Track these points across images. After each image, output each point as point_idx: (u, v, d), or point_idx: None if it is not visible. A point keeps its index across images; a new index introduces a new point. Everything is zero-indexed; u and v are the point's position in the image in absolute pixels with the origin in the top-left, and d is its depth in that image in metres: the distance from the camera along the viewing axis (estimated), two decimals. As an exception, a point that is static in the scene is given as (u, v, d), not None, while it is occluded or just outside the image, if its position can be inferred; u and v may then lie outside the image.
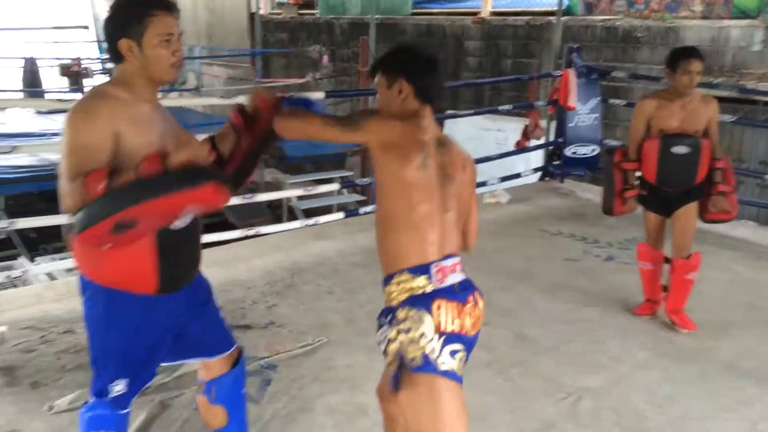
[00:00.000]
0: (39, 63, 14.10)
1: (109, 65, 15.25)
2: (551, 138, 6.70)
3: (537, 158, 7.44)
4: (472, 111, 7.24)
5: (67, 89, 13.86)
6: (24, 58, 13.74)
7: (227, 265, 4.50)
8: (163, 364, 3.09)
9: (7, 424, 2.72)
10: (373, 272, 3.76)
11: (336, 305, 3.93)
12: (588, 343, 3.54)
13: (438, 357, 1.80)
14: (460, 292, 1.89)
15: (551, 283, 4.31)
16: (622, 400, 3.02)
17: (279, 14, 13.69)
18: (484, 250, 4.88)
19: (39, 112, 11.89)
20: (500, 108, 6.96)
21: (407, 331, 1.82)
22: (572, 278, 4.40)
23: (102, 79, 15.20)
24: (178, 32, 1.91)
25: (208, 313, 2.21)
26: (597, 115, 6.40)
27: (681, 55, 3.47)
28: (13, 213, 7.54)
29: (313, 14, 13.01)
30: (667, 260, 3.76)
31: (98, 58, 15.66)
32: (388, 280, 1.90)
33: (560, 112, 6.43)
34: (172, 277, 1.97)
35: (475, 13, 9.94)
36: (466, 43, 9.77)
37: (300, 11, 13.36)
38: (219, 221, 7.79)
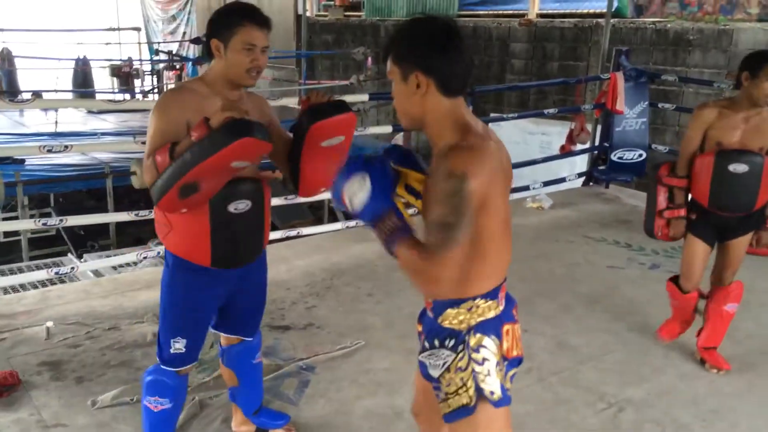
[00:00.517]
0: (90, 64, 14.45)
1: (159, 66, 15.60)
2: (597, 142, 6.59)
3: (582, 163, 7.32)
4: (516, 114, 7.15)
5: (117, 90, 14.17)
6: (76, 58, 14.10)
7: (268, 265, 4.52)
8: (204, 365, 3.16)
9: (51, 417, 2.79)
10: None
11: (375, 308, 3.93)
12: (631, 353, 3.47)
13: (506, 384, 1.69)
14: (509, 313, 1.75)
15: (594, 291, 4.23)
16: (665, 413, 2.95)
17: (325, 16, 13.78)
18: (526, 255, 4.83)
19: (90, 112, 12.19)
20: (546, 111, 6.87)
21: (482, 362, 1.65)
22: (616, 286, 4.31)
23: (150, 80, 15.54)
24: (263, 45, 2.14)
25: (255, 298, 2.49)
26: (645, 119, 6.26)
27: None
28: (63, 210, 7.75)
29: (359, 16, 13.06)
30: (702, 295, 3.37)
31: (149, 60, 15.97)
32: (456, 303, 1.67)
33: (607, 116, 6.32)
34: (228, 256, 2.23)
35: (521, 15, 9.84)
36: (512, 45, 9.68)
37: (346, 13, 13.42)
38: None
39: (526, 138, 9.04)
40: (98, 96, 13.08)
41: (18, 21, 16.19)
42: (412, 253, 1.51)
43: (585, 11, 9.21)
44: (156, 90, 15.34)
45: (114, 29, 18.75)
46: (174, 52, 16.94)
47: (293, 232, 4.92)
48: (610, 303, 4.05)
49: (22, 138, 9.39)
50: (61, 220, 4.23)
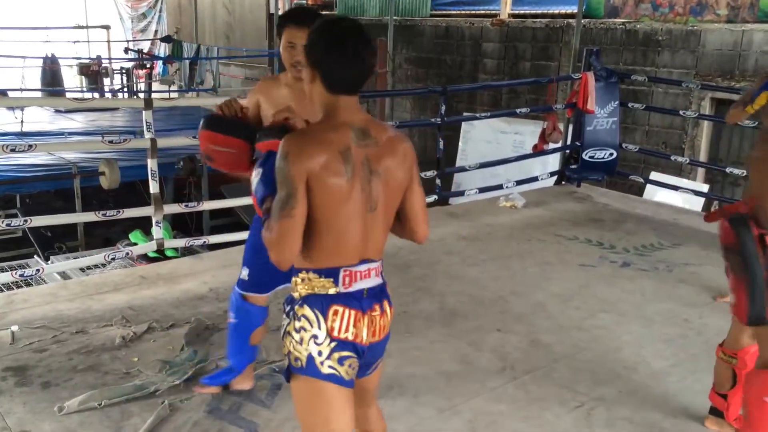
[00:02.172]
0: (59, 62, 14.20)
1: (128, 65, 15.38)
2: (569, 141, 6.64)
3: (554, 162, 7.38)
4: (489, 113, 7.18)
5: (86, 89, 13.94)
6: (44, 57, 13.85)
7: (240, 266, 4.48)
8: (174, 368, 3.10)
9: (17, 424, 2.72)
10: (390, 277, 3.74)
11: (348, 308, 3.89)
12: (603, 351, 3.49)
13: (323, 361, 1.81)
14: (366, 299, 1.85)
15: (566, 289, 4.25)
16: (636, 411, 2.97)
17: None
18: (499, 254, 4.84)
19: (58, 111, 11.97)
20: (518, 111, 6.91)
21: (299, 330, 1.83)
22: (588, 284, 4.34)
23: (120, 79, 15.32)
24: (303, 42, 2.29)
25: None
26: (615, 119, 6.33)
27: None
28: (30, 211, 7.60)
29: (332, 15, 13.01)
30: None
31: (127, 58, 15.70)
32: (296, 271, 1.86)
33: (578, 116, 6.37)
34: None
35: (494, 15, 9.89)
36: (484, 45, 9.72)
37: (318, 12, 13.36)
38: (234, 221, 7.80)
39: (499, 137, 9.08)
40: (68, 95, 12.84)
41: (-18, 18, 15.86)
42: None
43: (556, 12, 9.28)
44: (125, 89, 15.13)
45: (82, 27, 18.46)
46: (144, 51, 16.72)
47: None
48: (582, 301, 4.07)
49: (-14, 138, 9.19)
50: (26, 221, 4.14)
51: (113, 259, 4.49)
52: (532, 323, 3.77)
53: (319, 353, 1.81)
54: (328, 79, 1.80)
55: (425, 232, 1.99)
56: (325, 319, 1.81)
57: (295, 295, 1.87)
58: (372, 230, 1.85)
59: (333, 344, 1.81)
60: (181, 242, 5.07)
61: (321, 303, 1.82)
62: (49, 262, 5.92)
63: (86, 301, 3.90)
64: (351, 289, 1.83)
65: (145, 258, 5.79)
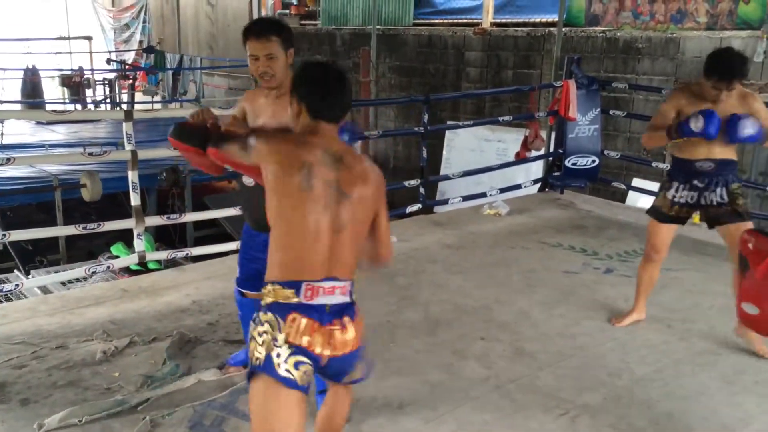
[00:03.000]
0: (40, 74, 14.09)
1: (110, 76, 15.29)
2: (551, 149, 6.67)
3: (537, 169, 7.41)
4: (472, 122, 7.20)
5: (68, 100, 13.83)
6: (24, 68, 13.74)
7: (224, 277, 4.45)
8: (156, 382, 3.07)
9: (-6, 442, 2.68)
10: (369, 285, 3.74)
11: (332, 319, 3.87)
12: (587, 358, 3.49)
13: (281, 363, 1.91)
14: (327, 314, 1.95)
15: (550, 297, 4.26)
16: (621, 417, 2.97)
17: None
18: (483, 262, 4.85)
19: (39, 123, 11.85)
20: (501, 119, 6.94)
21: (261, 334, 1.95)
22: (572, 291, 4.35)
23: (102, 90, 15.22)
24: (265, 54, 2.61)
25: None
26: (597, 126, 6.37)
27: None
28: (10, 225, 7.49)
29: (315, 25, 13.03)
30: None
31: (109, 69, 15.61)
32: (265, 283, 2.01)
33: (560, 123, 6.41)
34: (256, 220, 2.72)
35: (476, 24, 9.94)
36: (467, 54, 9.76)
37: (302, 22, 13.38)
38: (216, 233, 7.75)
39: (482, 145, 9.11)
40: (48, 107, 12.74)
41: (-38, 30, 15.73)
42: None
43: (538, 20, 9.34)
44: (108, 100, 15.04)
45: (64, 38, 18.34)
46: (127, 61, 16.63)
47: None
48: (566, 308, 4.08)
49: (-34, 151, 9.08)
50: (4, 235, 4.08)
51: (94, 272, 4.44)
52: (517, 331, 3.77)
53: (278, 355, 1.92)
54: (312, 109, 2.04)
55: (389, 254, 2.18)
56: (284, 325, 1.93)
57: (263, 303, 2.00)
58: (339, 250, 1.97)
59: (290, 349, 1.92)
60: (163, 254, 5.03)
61: (282, 310, 1.94)
62: (30, 276, 5.85)
63: (66, 315, 3.86)
64: (312, 302, 1.94)
65: (127, 271, 5.73)
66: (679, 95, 3.50)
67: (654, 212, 3.67)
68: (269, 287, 1.97)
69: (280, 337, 1.92)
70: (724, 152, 3.44)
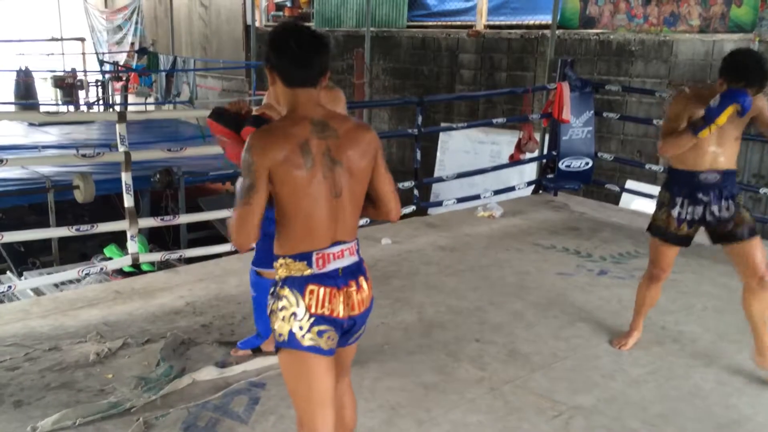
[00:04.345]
0: (33, 75, 14.03)
1: (102, 77, 15.24)
2: (545, 151, 6.68)
3: (531, 171, 7.42)
4: (465, 124, 7.21)
5: (61, 102, 13.78)
6: (17, 69, 13.68)
7: (217, 279, 4.45)
8: (150, 384, 3.06)
9: (-13, 444, 2.66)
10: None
11: (326, 321, 3.87)
12: (581, 360, 3.50)
13: (304, 335, 1.99)
14: (341, 277, 2.02)
15: (544, 298, 4.27)
16: (615, 419, 2.98)
17: (274, 26, 13.72)
18: (477, 264, 4.85)
19: (32, 125, 11.81)
20: (494, 121, 6.95)
21: (281, 309, 2.00)
22: (565, 293, 4.36)
23: (95, 91, 15.17)
24: None
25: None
26: (591, 128, 6.39)
27: None
28: (3, 226, 7.45)
29: (309, 26, 13.02)
30: None
31: (100, 71, 15.57)
32: (275, 257, 2.05)
33: (554, 126, 6.42)
34: None
35: (469, 26, 9.94)
36: (460, 56, 9.77)
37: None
38: (209, 235, 7.74)
39: (476, 147, 9.12)
40: (41, 108, 12.68)
41: (-45, 31, 15.65)
42: None
43: (531, 23, 9.36)
44: (101, 101, 14.99)
45: (57, 39, 18.28)
46: (120, 63, 16.58)
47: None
48: (560, 310, 4.09)
49: (-42, 152, 9.04)
50: (-2, 237, 4.06)
51: (87, 274, 4.43)
52: (511, 333, 3.77)
53: (300, 328, 1.98)
54: (284, 76, 1.99)
55: (397, 210, 2.17)
56: (303, 298, 1.98)
57: (276, 277, 2.05)
58: (340, 214, 2.01)
59: (312, 319, 1.98)
60: (156, 256, 5.02)
61: (298, 283, 1.99)
62: (23, 278, 5.82)
63: (59, 317, 3.84)
64: (325, 270, 2.00)
65: (120, 273, 5.72)
66: (687, 99, 3.19)
67: (659, 232, 3.40)
68: (281, 261, 2.02)
69: (300, 310, 1.98)
70: (729, 162, 3.23)
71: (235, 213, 1.95)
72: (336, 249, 2.01)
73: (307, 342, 1.99)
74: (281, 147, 1.92)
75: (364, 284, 2.08)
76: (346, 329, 2.08)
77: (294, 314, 1.99)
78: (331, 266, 2.00)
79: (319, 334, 2.00)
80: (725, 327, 3.90)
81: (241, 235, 1.95)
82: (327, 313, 2.00)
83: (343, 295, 2.02)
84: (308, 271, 1.99)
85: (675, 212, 3.31)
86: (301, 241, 1.99)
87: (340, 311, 2.01)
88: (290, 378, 2.07)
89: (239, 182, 1.96)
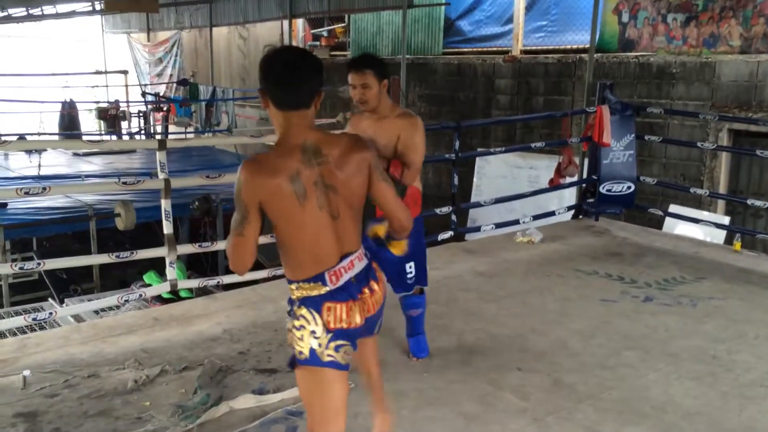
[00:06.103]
0: (77, 107, 14.42)
1: (144, 108, 15.60)
2: (585, 175, 6.57)
3: (570, 196, 7.30)
4: (503, 149, 7.14)
5: (104, 132, 14.11)
6: (63, 101, 14.07)
7: (255, 306, 4.43)
8: (187, 412, 3.03)
9: (25, 472, 2.65)
10: (400, 314, 3.67)
11: (364, 348, 3.81)
12: (629, 390, 3.37)
13: (323, 351, 2.06)
14: (355, 285, 2.10)
15: (588, 326, 4.14)
16: (667, 453, 2.84)
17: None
18: (518, 290, 4.75)
19: (75, 155, 12.10)
20: (533, 145, 6.86)
21: (300, 327, 2.07)
22: (610, 320, 4.23)
23: (137, 122, 15.51)
24: (361, 84, 3.13)
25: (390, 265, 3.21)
26: (632, 151, 6.26)
27: None
28: (46, 254, 7.61)
29: (345, 56, 13.15)
30: None
31: (143, 101, 15.93)
32: (289, 282, 2.12)
33: (594, 149, 6.31)
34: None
35: (506, 52, 9.92)
36: (497, 82, 9.74)
37: (332, 53, 13.52)
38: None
39: (514, 172, 9.03)
40: (84, 137, 13.01)
41: (5, 65, 16.19)
42: None
43: (568, 47, 9.30)
44: (143, 131, 15.32)
45: (101, 72, 18.80)
46: (161, 94, 16.97)
47: (280, 271, 4.81)
48: (605, 338, 3.96)
49: (4, 182, 9.28)
50: (39, 264, 4.11)
51: (127, 301, 4.45)
52: (554, 361, 3.66)
53: (319, 345, 2.06)
54: (274, 99, 2.01)
55: (407, 219, 2.23)
56: (321, 315, 2.06)
57: (293, 297, 2.12)
58: (342, 231, 2.07)
59: (330, 335, 2.06)
60: (194, 283, 5.03)
61: (315, 303, 2.07)
62: (64, 304, 5.89)
63: (99, 344, 3.85)
64: (339, 284, 2.07)
65: (159, 299, 5.75)
66: None
67: None
68: (295, 284, 2.09)
69: (318, 328, 2.06)
70: None
71: (229, 242, 2.02)
72: (345, 262, 2.09)
73: (326, 358, 2.07)
74: (270, 181, 1.96)
75: (376, 286, 2.17)
76: (363, 331, 2.17)
77: (313, 332, 2.06)
78: (344, 278, 2.08)
79: (336, 348, 2.07)
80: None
81: (237, 263, 2.05)
82: (345, 326, 2.08)
83: (359, 305, 2.11)
84: (324, 290, 2.06)
85: None
86: (309, 267, 2.06)
87: (358, 320, 2.11)
88: (307, 391, 2.15)
89: (234, 213, 2.03)
